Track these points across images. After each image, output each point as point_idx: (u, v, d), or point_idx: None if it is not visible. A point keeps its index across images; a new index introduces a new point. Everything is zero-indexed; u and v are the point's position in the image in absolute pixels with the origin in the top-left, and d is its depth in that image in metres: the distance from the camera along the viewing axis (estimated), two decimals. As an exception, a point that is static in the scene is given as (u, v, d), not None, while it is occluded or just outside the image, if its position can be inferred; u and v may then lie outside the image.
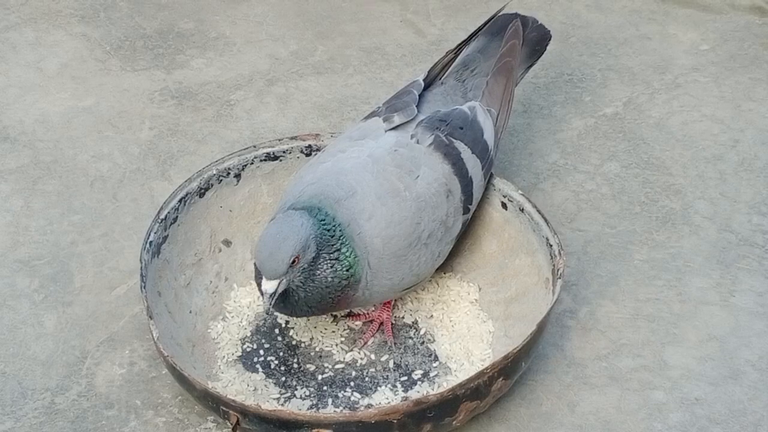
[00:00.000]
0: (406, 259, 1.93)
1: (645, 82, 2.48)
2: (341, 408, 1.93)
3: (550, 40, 2.24)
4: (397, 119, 2.02)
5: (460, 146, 2.01)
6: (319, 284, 1.86)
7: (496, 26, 2.19)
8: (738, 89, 2.46)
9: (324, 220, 1.86)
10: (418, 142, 1.99)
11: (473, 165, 2.01)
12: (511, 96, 2.12)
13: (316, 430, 1.78)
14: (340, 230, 1.87)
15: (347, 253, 1.87)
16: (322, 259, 1.85)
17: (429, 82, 2.12)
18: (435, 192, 1.96)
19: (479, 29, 2.19)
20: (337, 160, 1.96)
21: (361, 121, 2.06)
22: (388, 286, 1.94)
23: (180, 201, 2.05)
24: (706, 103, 2.43)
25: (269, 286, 1.83)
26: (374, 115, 2.05)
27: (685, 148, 2.35)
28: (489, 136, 2.05)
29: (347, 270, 1.87)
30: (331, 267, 1.86)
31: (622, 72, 2.51)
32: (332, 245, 1.86)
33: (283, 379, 1.97)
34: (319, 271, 1.86)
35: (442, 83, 2.13)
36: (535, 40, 2.21)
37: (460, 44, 2.18)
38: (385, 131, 2.01)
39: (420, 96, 2.07)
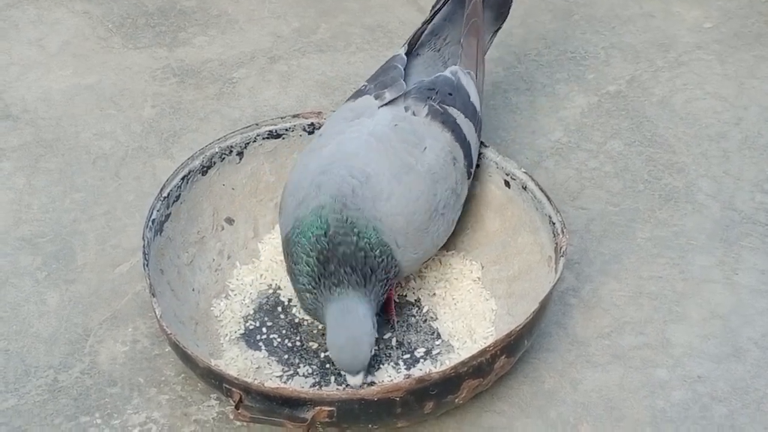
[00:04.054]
0: (428, 232, 1.93)
1: (648, 60, 2.48)
2: (344, 386, 1.93)
3: (512, 1, 2.23)
4: (388, 95, 2.01)
5: (454, 112, 2.01)
6: (382, 294, 1.90)
7: None
8: (741, 67, 2.45)
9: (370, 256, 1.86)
10: (413, 114, 1.99)
11: (468, 129, 2.02)
12: (483, 56, 2.13)
13: (318, 407, 1.78)
14: (379, 248, 1.87)
15: (393, 265, 1.88)
16: (379, 288, 1.89)
17: (407, 54, 2.12)
18: (444, 162, 1.96)
19: None
20: (339, 142, 1.95)
21: (349, 101, 2.05)
22: (414, 260, 1.94)
23: (182, 179, 2.05)
24: (710, 81, 2.43)
25: (358, 380, 1.86)
26: (362, 93, 2.04)
27: (689, 126, 2.34)
28: (474, 98, 2.06)
29: (394, 268, 1.89)
30: (385, 277, 1.89)
31: (625, 50, 2.50)
32: (380, 264, 1.87)
33: (286, 356, 1.97)
34: (378, 295, 1.89)
35: (418, 54, 2.14)
36: (499, 2, 2.21)
37: (433, 13, 2.17)
38: (378, 108, 2.00)
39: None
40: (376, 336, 1.87)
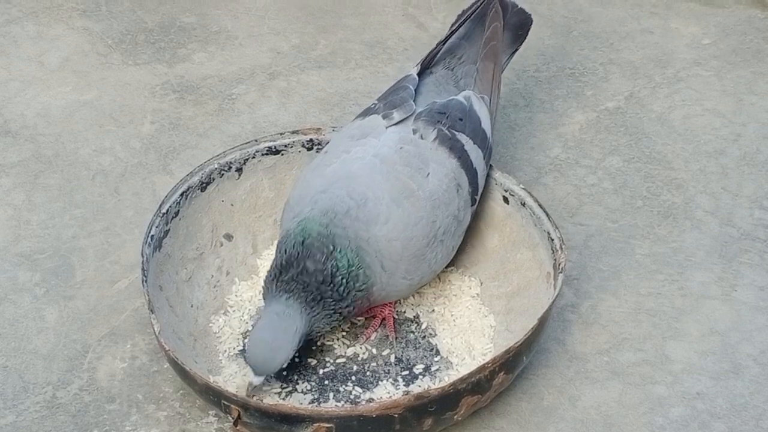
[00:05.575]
0: (425, 258, 1.93)
1: (647, 76, 2.48)
2: (342, 402, 1.93)
3: (531, 24, 2.23)
4: (396, 116, 2.01)
5: (463, 138, 2.01)
6: (324, 327, 1.91)
7: (478, 12, 2.18)
8: (740, 83, 2.46)
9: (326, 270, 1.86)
10: (421, 137, 1.99)
11: (476, 156, 2.02)
12: (498, 80, 2.12)
13: (317, 424, 1.78)
14: (348, 271, 1.87)
15: (358, 282, 1.88)
16: (321, 318, 1.89)
17: (419, 73, 2.12)
18: (446, 188, 1.96)
19: (468, 17, 2.18)
20: (343, 162, 1.95)
21: (357, 119, 2.05)
22: (406, 285, 1.94)
23: (182, 195, 2.05)
24: (708, 97, 2.43)
25: (257, 381, 1.87)
26: (371, 112, 2.04)
27: (687, 143, 2.34)
28: (486, 124, 2.06)
29: (357, 291, 1.89)
30: (333, 310, 1.89)
31: (623, 66, 2.50)
32: (333, 295, 1.87)
33: (285, 373, 1.97)
34: (318, 324, 1.90)
35: (431, 72, 2.13)
36: (518, 24, 2.21)
37: (449, 34, 2.17)
38: (386, 128, 2.00)
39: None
40: (294, 355, 1.88)
